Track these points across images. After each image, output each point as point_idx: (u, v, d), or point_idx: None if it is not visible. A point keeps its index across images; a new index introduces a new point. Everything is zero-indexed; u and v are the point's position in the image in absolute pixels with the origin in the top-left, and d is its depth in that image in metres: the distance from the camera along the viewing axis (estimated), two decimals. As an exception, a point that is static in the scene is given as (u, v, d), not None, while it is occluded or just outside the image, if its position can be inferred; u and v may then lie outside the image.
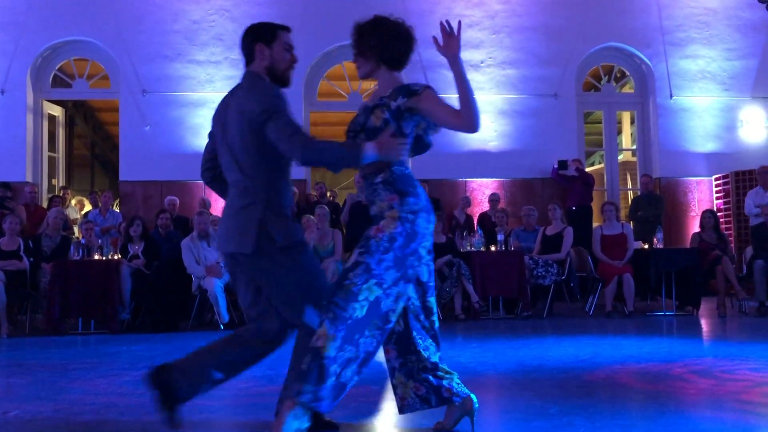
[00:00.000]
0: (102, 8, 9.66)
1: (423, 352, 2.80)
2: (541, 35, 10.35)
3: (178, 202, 9.25)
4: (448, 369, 2.88)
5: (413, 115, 2.75)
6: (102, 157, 16.28)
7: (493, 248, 8.00)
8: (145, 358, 5.36)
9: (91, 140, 15.43)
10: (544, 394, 3.66)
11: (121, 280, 7.22)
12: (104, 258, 7.39)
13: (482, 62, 10.20)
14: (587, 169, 11.12)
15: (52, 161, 10.56)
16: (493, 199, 9.57)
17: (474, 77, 10.15)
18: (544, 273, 7.76)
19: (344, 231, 8.69)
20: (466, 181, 10.13)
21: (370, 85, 10.64)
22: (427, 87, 2.78)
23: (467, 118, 2.67)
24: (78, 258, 7.35)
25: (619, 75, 11.50)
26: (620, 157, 11.95)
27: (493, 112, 10.21)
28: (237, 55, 10.21)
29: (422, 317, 2.81)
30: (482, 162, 10.08)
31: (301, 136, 2.58)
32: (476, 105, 2.69)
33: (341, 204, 9.93)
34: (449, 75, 9.94)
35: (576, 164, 9.80)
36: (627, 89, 11.71)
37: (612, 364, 4.63)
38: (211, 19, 9.91)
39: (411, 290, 2.75)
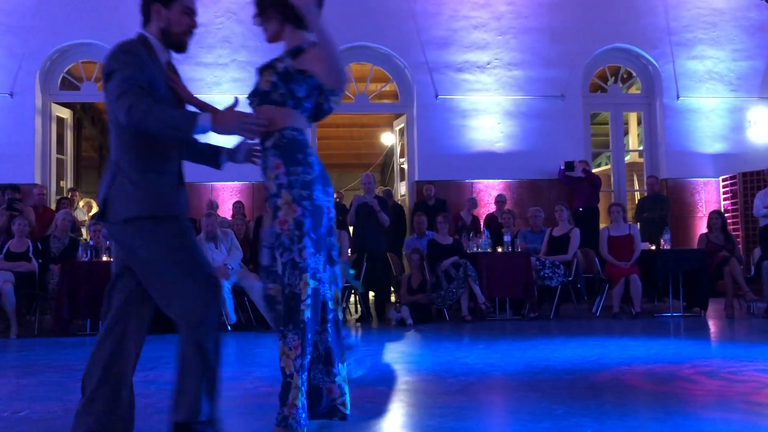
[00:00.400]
0: (109, 11, 9.71)
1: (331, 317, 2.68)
2: (547, 36, 10.34)
3: (185, 203, 9.27)
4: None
5: (307, 78, 2.53)
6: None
7: (499, 249, 8.00)
8: (152, 359, 5.37)
9: (99, 142, 15.51)
10: (552, 395, 3.66)
11: (129, 281, 7.24)
12: (112, 259, 7.41)
13: (488, 63, 10.20)
14: (594, 170, 11.10)
15: (60, 163, 10.62)
16: (500, 200, 9.57)
17: (480, 78, 10.15)
18: (551, 274, 7.75)
19: (350, 232, 8.70)
20: (472, 183, 10.13)
21: (376, 87, 10.65)
22: (314, 44, 2.55)
23: (330, 73, 2.47)
24: (86, 259, 7.39)
25: (625, 76, 11.47)
26: (627, 158, 11.92)
27: (499, 113, 10.21)
28: (244, 57, 10.29)
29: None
30: (489, 163, 10.08)
31: (129, 97, 2.37)
32: (335, 58, 2.44)
33: (348, 205, 9.95)
34: (458, 77, 10.06)
35: (583, 165, 9.79)
36: (634, 90, 11.69)
37: (619, 365, 4.62)
38: (218, 22, 9.95)
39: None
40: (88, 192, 13.80)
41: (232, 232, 7.82)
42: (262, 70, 2.60)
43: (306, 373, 2.51)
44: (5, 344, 6.62)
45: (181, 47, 2.68)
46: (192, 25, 2.67)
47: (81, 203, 11.02)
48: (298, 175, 2.47)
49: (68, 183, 10.85)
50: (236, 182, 9.91)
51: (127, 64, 2.45)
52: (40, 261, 7.49)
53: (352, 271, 7.82)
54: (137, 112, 2.36)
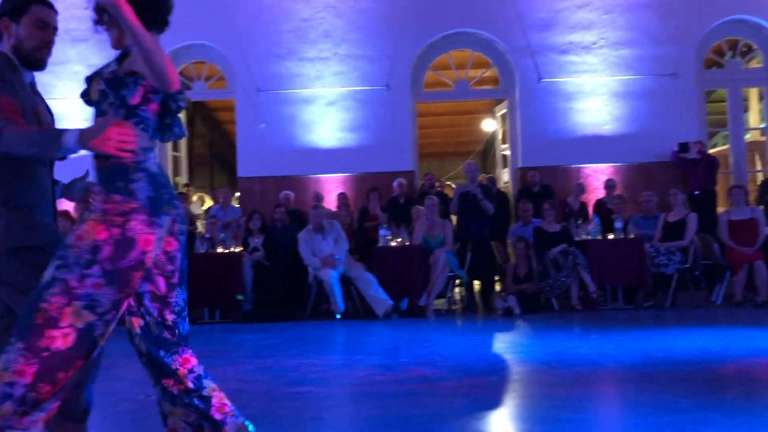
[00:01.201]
0: (217, 12, 10.10)
1: (178, 373, 2.23)
2: (656, 12, 9.83)
3: (292, 196, 9.55)
4: (213, 385, 2.29)
5: (139, 80, 2.17)
6: (220, 155, 17.07)
7: (610, 236, 7.72)
8: (268, 346, 5.59)
9: (209, 139, 16.21)
10: (673, 388, 3.50)
11: (242, 271, 7.57)
12: (227, 251, 7.76)
13: (594, 44, 9.83)
14: (710, 151, 10.48)
15: (175, 160, 11.18)
16: (609, 185, 9.23)
17: (586, 59, 9.80)
18: (666, 261, 7.40)
19: (454, 222, 8.67)
20: (579, 167, 9.81)
21: (477, 73, 10.53)
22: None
23: (152, 75, 2.12)
24: (203, 251, 7.77)
25: (744, 49, 10.74)
26: (747, 137, 11.16)
27: (607, 94, 9.82)
28: (345, 50, 10.44)
29: (165, 334, 2.22)
30: (596, 147, 9.72)
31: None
32: (153, 57, 2.05)
33: (449, 194, 9.91)
34: (562, 59, 9.78)
35: (698, 146, 9.27)
36: (754, 64, 10.91)
37: (745, 357, 4.36)
38: (319, 17, 10.12)
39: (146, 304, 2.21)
40: (201, 187, 14.48)
41: (339, 223, 7.98)
42: (91, 79, 2.29)
43: (35, 412, 2.03)
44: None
45: (36, 64, 2.42)
46: (46, 40, 2.41)
47: (195, 198, 11.59)
48: (116, 204, 2.13)
49: (183, 179, 11.41)
50: (340, 174, 10.08)
51: None
52: (162, 253, 7.92)
53: (455, 260, 7.80)
54: (4, 137, 2.18)
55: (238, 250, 7.81)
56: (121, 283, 2.09)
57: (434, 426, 2.87)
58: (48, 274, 2.09)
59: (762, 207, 8.63)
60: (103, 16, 2.25)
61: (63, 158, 2.27)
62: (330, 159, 10.05)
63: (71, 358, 2.04)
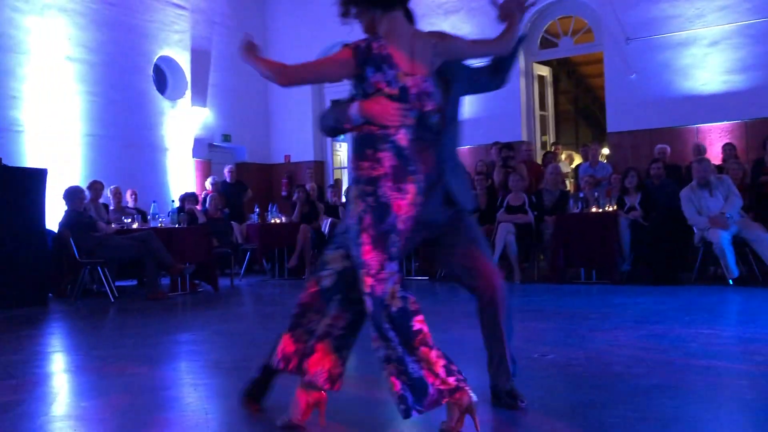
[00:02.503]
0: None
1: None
2: None
3: (669, 149, 8.85)
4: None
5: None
6: (584, 110, 16.67)
7: None
8: (654, 312, 5.30)
9: (574, 95, 15.92)
10: None
11: (619, 231, 7.29)
12: (601, 210, 7.55)
13: None
14: None
15: (542, 119, 11.23)
16: None
17: None
18: None
19: None
20: None
21: None
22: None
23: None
24: (577, 211, 7.68)
25: None
26: None
27: None
28: (731, -20, 9.15)
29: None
30: None
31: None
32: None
33: None
34: None
35: None
36: None
37: None
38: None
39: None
40: (567, 144, 14.37)
41: (729, 177, 7.14)
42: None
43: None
44: (510, 288, 7.34)
45: None
46: None
47: (563, 156, 11.51)
48: (363, 170, 2.38)
49: (551, 138, 11.42)
50: (726, 122, 9.00)
51: None
52: (536, 213, 8.07)
53: None
54: (319, 122, 2.64)
55: (612, 208, 7.54)
56: (380, 245, 2.34)
57: None
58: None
59: None
60: (350, 8, 2.49)
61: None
62: (713, 106, 9.03)
63: (377, 318, 2.34)
